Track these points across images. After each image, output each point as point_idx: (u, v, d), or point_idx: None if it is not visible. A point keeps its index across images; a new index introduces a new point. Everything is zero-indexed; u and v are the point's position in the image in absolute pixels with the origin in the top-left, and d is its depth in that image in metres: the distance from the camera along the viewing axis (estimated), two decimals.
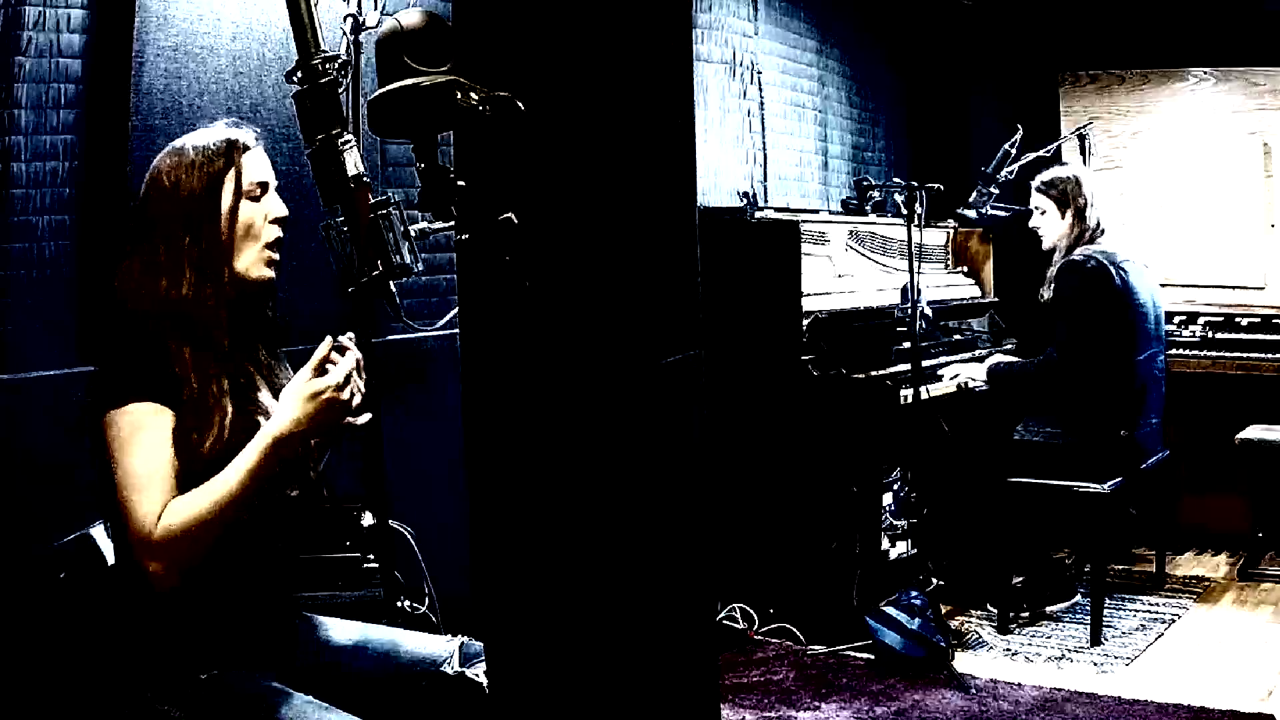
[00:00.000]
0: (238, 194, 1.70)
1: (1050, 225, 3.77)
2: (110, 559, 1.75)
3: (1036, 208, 3.80)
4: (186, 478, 1.59)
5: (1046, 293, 3.73)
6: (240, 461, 1.60)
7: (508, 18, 1.45)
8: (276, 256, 1.76)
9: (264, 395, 1.74)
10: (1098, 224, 3.69)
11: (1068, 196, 3.70)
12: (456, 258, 1.50)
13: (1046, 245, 3.81)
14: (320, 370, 1.63)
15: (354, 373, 1.66)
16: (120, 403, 1.58)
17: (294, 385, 1.64)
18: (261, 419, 1.68)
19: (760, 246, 3.77)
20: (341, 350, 1.66)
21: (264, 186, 1.74)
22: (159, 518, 1.55)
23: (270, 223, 1.74)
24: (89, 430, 1.63)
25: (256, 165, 1.74)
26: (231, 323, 1.71)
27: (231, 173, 1.70)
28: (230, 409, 1.66)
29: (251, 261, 1.73)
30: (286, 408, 1.62)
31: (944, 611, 3.62)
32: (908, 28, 5.41)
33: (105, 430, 1.58)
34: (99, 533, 1.80)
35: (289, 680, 1.67)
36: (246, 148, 1.73)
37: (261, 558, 1.72)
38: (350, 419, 1.67)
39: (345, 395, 1.64)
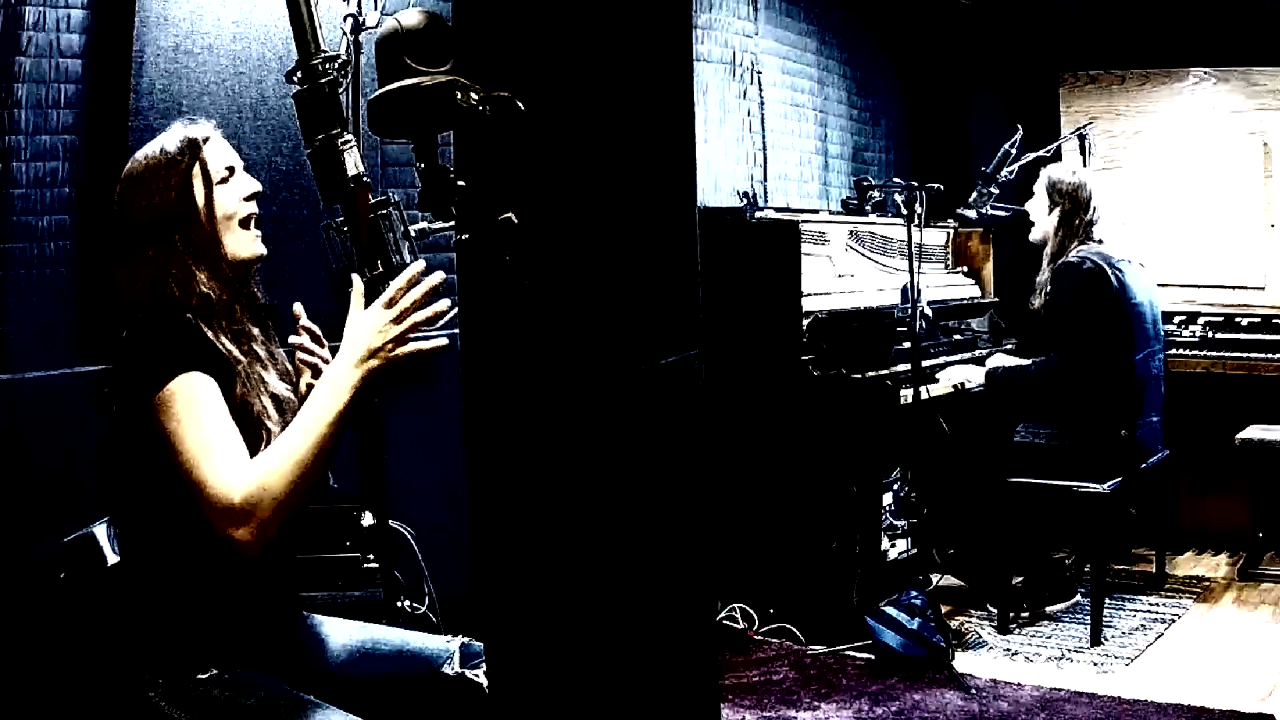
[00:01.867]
0: (208, 184, 1.72)
1: (1038, 217, 3.85)
2: (110, 559, 1.75)
3: (1035, 195, 3.87)
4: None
5: (1037, 300, 3.75)
6: (316, 411, 1.58)
7: (508, 18, 1.45)
8: (259, 232, 1.77)
9: (269, 375, 1.75)
10: (1088, 233, 3.72)
11: (1060, 198, 3.76)
12: (456, 258, 1.50)
13: (1032, 236, 3.88)
14: (391, 303, 1.60)
15: (427, 296, 1.61)
16: (168, 378, 1.55)
17: (367, 317, 1.60)
18: (271, 400, 1.70)
19: (760, 246, 3.77)
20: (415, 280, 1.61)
21: (231, 169, 1.76)
22: (239, 480, 1.52)
23: (245, 200, 1.76)
24: (113, 425, 1.63)
25: (219, 152, 1.75)
26: (242, 303, 1.74)
27: (197, 167, 1.71)
28: (267, 382, 1.69)
29: (240, 243, 1.74)
30: (358, 341, 1.59)
31: (944, 611, 3.62)
32: (908, 27, 5.41)
33: (158, 412, 1.55)
34: (99, 532, 1.81)
35: (289, 680, 1.67)
36: (206, 139, 1.74)
37: (262, 558, 1.71)
38: (420, 346, 1.62)
39: (421, 317, 1.60)
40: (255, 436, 1.63)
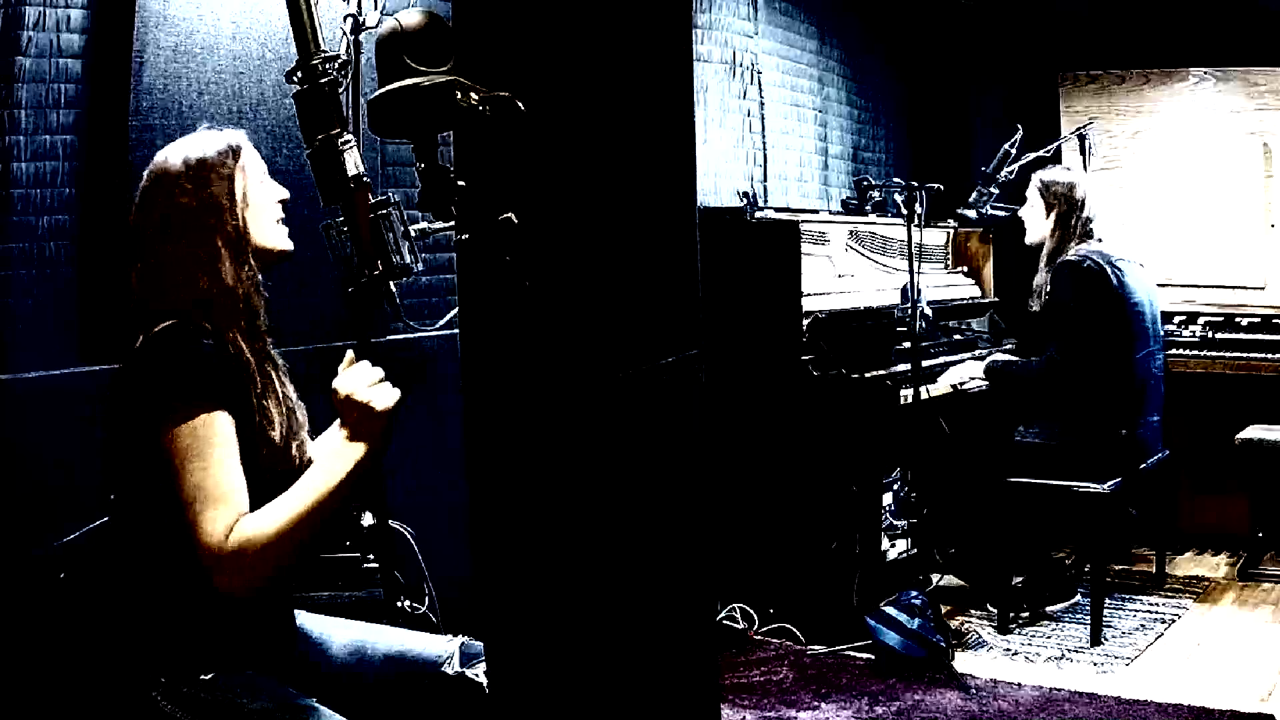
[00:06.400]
0: (245, 184, 1.74)
1: (1033, 221, 3.85)
2: (110, 559, 1.75)
3: (1029, 199, 3.86)
4: (255, 472, 1.59)
5: (1035, 303, 3.75)
6: (322, 475, 1.57)
7: (508, 18, 1.45)
8: (287, 230, 1.81)
9: (287, 382, 1.77)
10: (1087, 232, 3.72)
11: (1055, 200, 3.76)
12: (456, 258, 1.50)
13: (1028, 239, 3.88)
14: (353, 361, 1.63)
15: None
16: (182, 413, 1.55)
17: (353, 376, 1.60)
18: (285, 412, 1.71)
19: (760, 246, 3.77)
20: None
21: (265, 173, 1.80)
22: (229, 534, 1.52)
23: (276, 203, 1.80)
24: (116, 427, 1.63)
25: (254, 158, 1.79)
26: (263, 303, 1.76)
27: (240, 167, 1.74)
28: (281, 393, 1.70)
29: (274, 236, 1.78)
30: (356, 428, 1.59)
31: (944, 611, 3.62)
32: (908, 27, 5.41)
33: (165, 439, 1.55)
34: (99, 533, 1.80)
35: (289, 681, 1.67)
36: (243, 144, 1.78)
37: None
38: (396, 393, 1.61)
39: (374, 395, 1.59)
40: (268, 450, 1.64)
